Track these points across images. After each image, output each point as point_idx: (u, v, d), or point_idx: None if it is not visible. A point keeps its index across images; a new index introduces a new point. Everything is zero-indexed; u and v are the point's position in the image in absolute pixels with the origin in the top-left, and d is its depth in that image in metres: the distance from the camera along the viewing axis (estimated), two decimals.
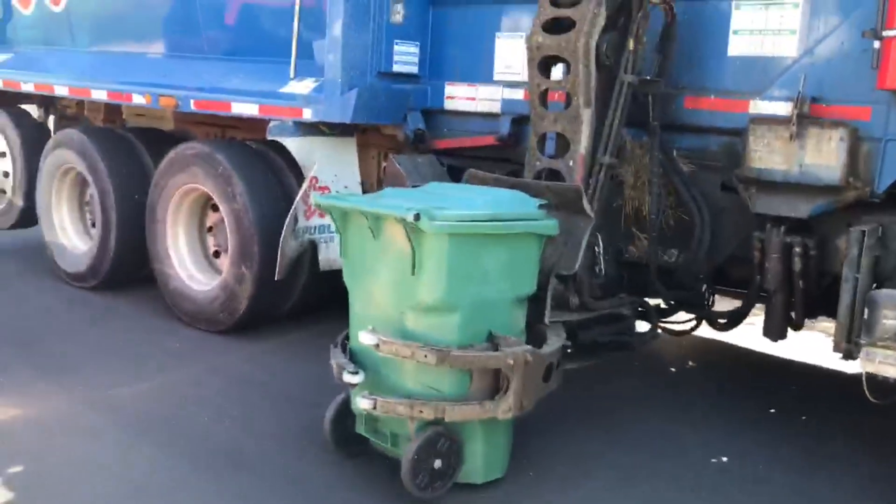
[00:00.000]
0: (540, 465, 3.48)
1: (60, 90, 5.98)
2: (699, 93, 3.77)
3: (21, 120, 6.68)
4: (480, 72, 4.46)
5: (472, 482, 3.21)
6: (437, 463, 3.07)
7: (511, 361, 3.04)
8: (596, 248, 3.77)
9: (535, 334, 3.34)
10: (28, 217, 6.50)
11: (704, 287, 4.17)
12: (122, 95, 5.56)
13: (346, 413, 3.37)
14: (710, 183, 3.84)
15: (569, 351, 3.60)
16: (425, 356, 2.99)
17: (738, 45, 3.66)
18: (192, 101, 5.09)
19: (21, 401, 3.93)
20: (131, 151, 5.75)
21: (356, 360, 3.28)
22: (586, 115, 3.62)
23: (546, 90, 3.79)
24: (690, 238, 3.88)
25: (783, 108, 3.50)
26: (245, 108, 4.85)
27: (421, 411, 3.02)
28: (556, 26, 3.69)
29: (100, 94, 5.71)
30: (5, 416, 3.77)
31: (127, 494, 3.15)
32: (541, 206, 3.33)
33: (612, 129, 3.65)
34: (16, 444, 3.51)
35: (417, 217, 2.89)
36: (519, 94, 4.27)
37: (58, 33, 6.18)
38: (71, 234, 6.13)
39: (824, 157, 3.37)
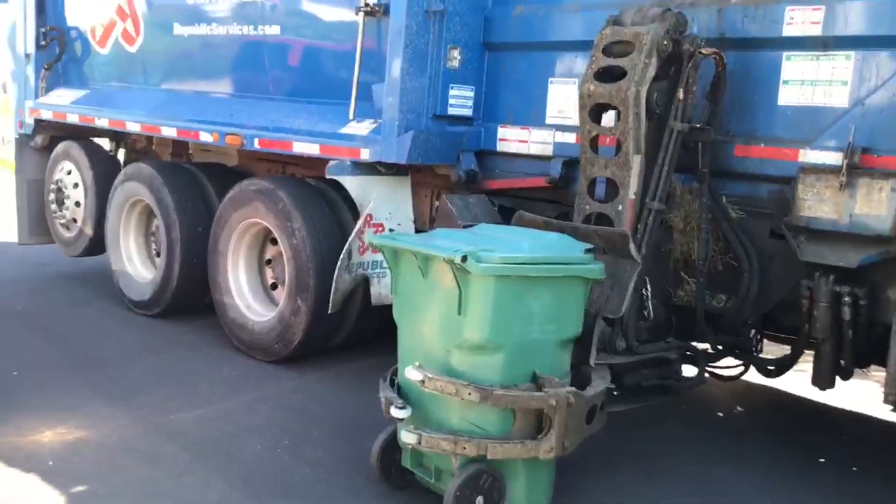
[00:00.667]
0: None
1: (132, 126, 6.27)
2: (749, 141, 3.82)
3: (94, 153, 7.00)
4: (533, 115, 4.56)
5: None
6: (479, 499, 3.12)
7: (554, 402, 3.10)
8: (644, 291, 3.82)
9: (579, 376, 3.39)
10: (97, 246, 6.78)
11: (753, 333, 4.17)
12: (191, 133, 5.82)
13: (393, 446, 3.46)
14: (759, 230, 3.86)
15: (614, 394, 3.64)
16: (469, 394, 3.07)
17: (788, 95, 3.71)
18: (256, 140, 5.31)
19: (86, 423, 4.12)
20: (196, 185, 6.00)
21: (403, 394, 3.37)
22: (636, 161, 3.70)
23: (597, 136, 3.88)
24: (739, 284, 3.91)
25: (833, 158, 3.52)
26: (306, 148, 5.04)
27: (464, 448, 3.10)
28: (607, 74, 3.79)
29: (169, 132, 5.98)
30: (71, 437, 3.96)
31: None
32: (587, 251, 3.40)
33: (662, 175, 3.73)
34: (80, 465, 3.68)
35: (465, 259, 3.00)
36: (571, 138, 4.36)
37: (131, 72, 6.50)
38: (137, 263, 6.39)
39: (874, 207, 3.39)
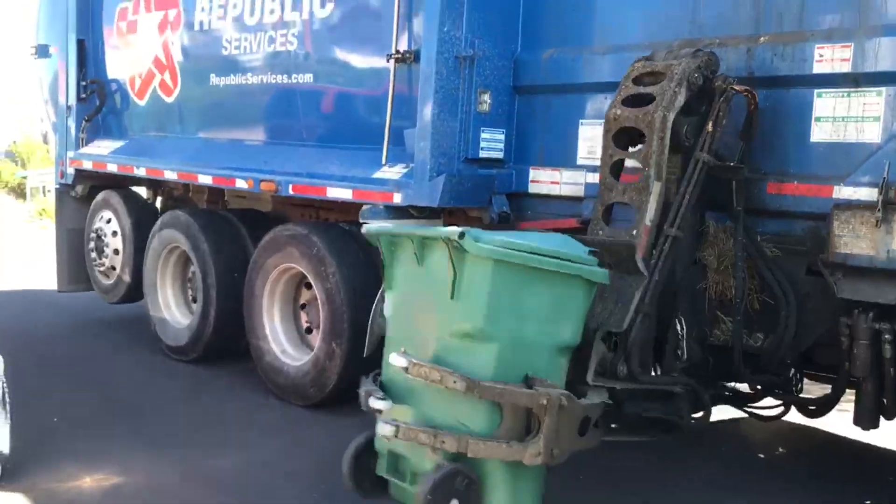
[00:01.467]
0: None
1: (170, 175, 6.41)
2: (782, 178, 3.80)
3: (131, 201, 7.16)
4: (564, 157, 4.58)
5: None
6: (454, 503, 2.93)
7: (544, 402, 2.92)
8: (679, 331, 3.79)
9: (575, 393, 3.20)
10: (135, 292, 6.89)
11: (792, 372, 4.11)
12: (227, 180, 5.93)
13: (368, 452, 3.30)
14: (796, 267, 3.82)
15: (612, 426, 3.51)
16: (454, 382, 2.90)
17: (820, 132, 3.70)
18: (290, 186, 5.39)
19: (124, 469, 4.15)
20: (232, 231, 6.09)
21: (386, 390, 3.23)
22: (656, 187, 3.62)
23: (617, 161, 3.84)
24: (776, 322, 3.86)
25: (868, 194, 3.49)
26: (339, 193, 5.11)
27: (443, 441, 2.92)
28: (636, 102, 3.80)
29: (205, 179, 6.10)
30: (110, 483, 3.99)
31: None
32: (591, 253, 3.27)
33: (683, 204, 3.67)
34: None
35: (462, 235, 2.89)
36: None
37: (168, 121, 6.66)
38: (173, 309, 6.48)
39: None
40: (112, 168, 6.92)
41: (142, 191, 7.63)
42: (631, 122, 3.75)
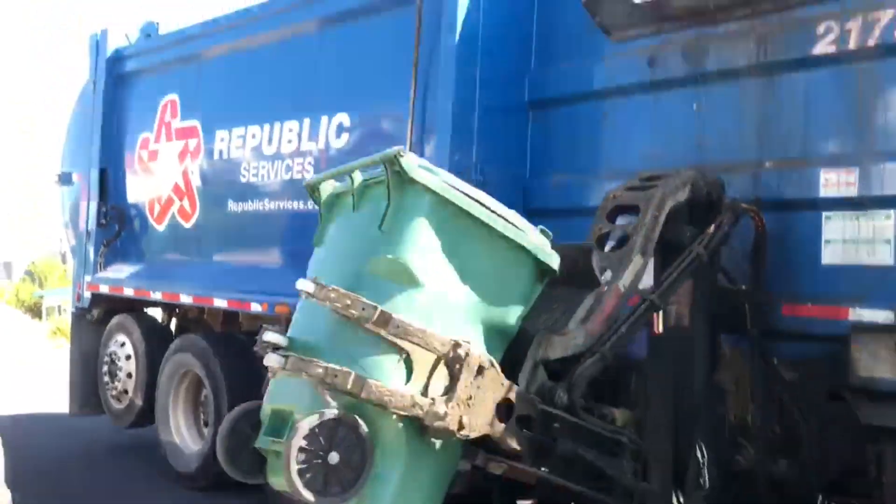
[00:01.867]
0: None
1: (185, 298, 6.47)
2: (796, 300, 3.78)
3: (147, 325, 7.19)
4: None
5: None
6: (334, 456, 2.49)
7: (463, 353, 2.57)
8: (699, 457, 3.69)
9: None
10: (146, 416, 6.83)
11: (820, 499, 3.97)
12: (242, 304, 5.98)
13: (249, 421, 2.92)
14: (816, 391, 3.76)
15: (542, 467, 3.06)
16: (363, 309, 2.54)
17: (832, 254, 3.70)
18: None
19: None
20: (246, 355, 6.05)
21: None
22: (638, 260, 3.42)
23: (604, 234, 3.71)
24: (799, 449, 3.76)
25: (885, 316, 3.46)
26: None
27: (336, 376, 2.49)
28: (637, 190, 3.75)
29: (221, 303, 6.15)
30: None
31: None
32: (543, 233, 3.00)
33: (670, 279, 3.56)
34: None
35: (402, 154, 2.64)
36: None
37: (186, 246, 6.77)
38: (184, 434, 6.40)
39: None
40: (129, 292, 6.99)
41: (157, 312, 7.68)
42: (629, 200, 3.67)
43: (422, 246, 2.69)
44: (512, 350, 3.02)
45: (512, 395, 2.77)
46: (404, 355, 2.61)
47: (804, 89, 3.81)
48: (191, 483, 6.07)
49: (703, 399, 3.76)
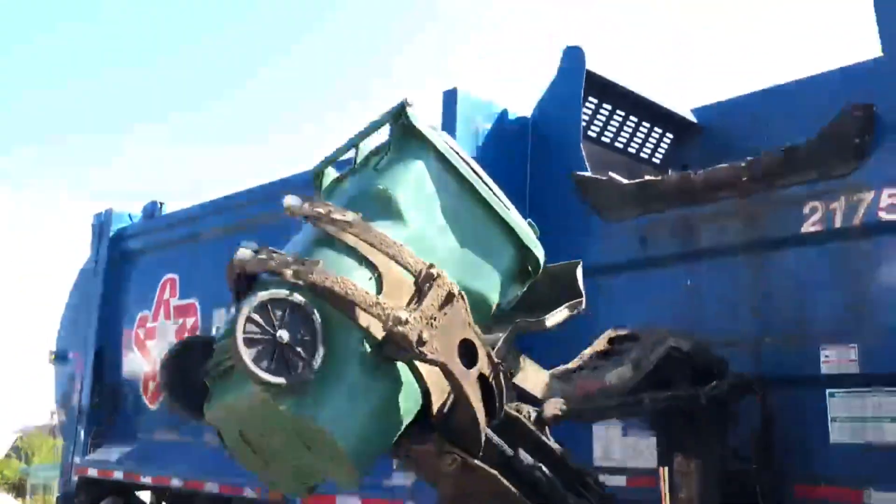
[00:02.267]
0: None
1: (176, 482, 6.27)
2: (808, 481, 3.67)
3: None
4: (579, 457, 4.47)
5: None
6: (284, 335, 2.30)
7: (435, 273, 2.42)
8: None
9: None
10: None
11: None
12: (234, 489, 5.77)
13: (197, 348, 2.69)
14: None
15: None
16: (342, 215, 2.48)
17: (839, 433, 3.63)
18: (299, 500, 5.22)
19: None
20: None
21: None
22: (628, 368, 3.38)
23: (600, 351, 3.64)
24: None
25: None
26: (348, 500, 4.94)
27: (302, 264, 2.40)
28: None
29: (213, 487, 5.95)
30: None
31: None
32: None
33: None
34: None
35: (409, 104, 2.62)
36: (619, 481, 4.19)
37: (178, 427, 6.61)
38: None
39: None
40: (118, 475, 6.79)
41: (146, 495, 7.41)
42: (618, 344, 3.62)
43: (412, 187, 2.65)
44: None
45: (476, 341, 2.53)
46: (376, 273, 2.47)
47: (796, 266, 3.86)
48: None
49: None
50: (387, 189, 2.64)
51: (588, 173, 4.57)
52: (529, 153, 4.96)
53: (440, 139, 2.74)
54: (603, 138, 5.44)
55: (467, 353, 2.49)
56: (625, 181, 4.38)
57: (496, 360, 2.60)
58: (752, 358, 3.91)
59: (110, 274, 7.49)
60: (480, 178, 2.78)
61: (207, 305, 6.48)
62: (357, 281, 2.42)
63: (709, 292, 4.13)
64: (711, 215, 4.16)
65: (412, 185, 2.66)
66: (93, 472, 7.05)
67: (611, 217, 4.49)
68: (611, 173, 4.46)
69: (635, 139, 5.60)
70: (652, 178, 4.41)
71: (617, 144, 5.52)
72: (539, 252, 2.86)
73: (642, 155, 5.63)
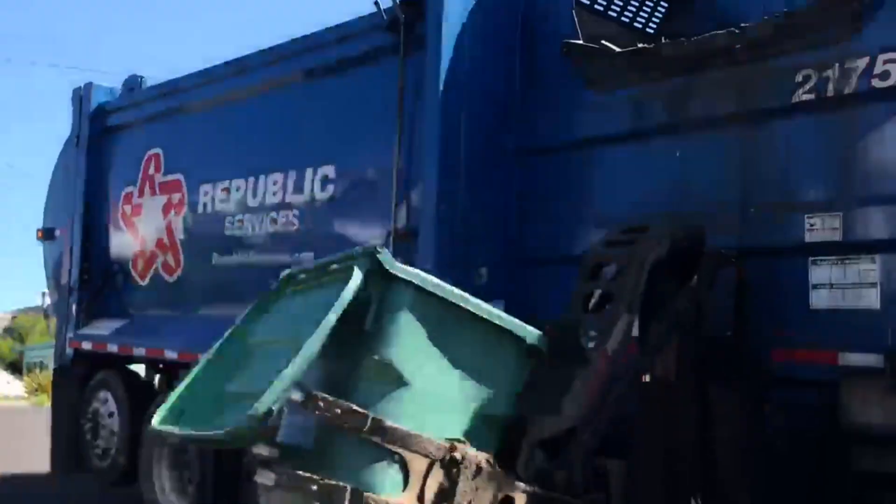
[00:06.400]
0: None
1: (170, 354, 6.38)
2: (785, 346, 3.78)
3: (130, 382, 7.09)
4: None
5: None
6: None
7: (459, 457, 2.53)
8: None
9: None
10: (130, 475, 6.68)
11: None
12: None
13: None
14: (808, 438, 3.73)
15: None
16: (355, 418, 2.51)
17: (819, 299, 3.71)
18: None
19: None
20: None
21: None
22: (624, 319, 3.42)
23: (589, 293, 3.70)
24: (791, 495, 3.72)
25: (875, 360, 3.46)
26: None
27: (332, 494, 2.47)
28: (618, 245, 3.75)
29: None
30: None
31: None
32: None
33: (657, 336, 3.57)
34: None
35: (379, 250, 2.66)
36: None
37: (170, 301, 6.71)
38: (168, 493, 6.26)
39: None
40: (112, 349, 6.90)
41: (141, 369, 7.57)
42: (609, 258, 3.69)
43: (407, 344, 2.70)
44: (509, 435, 2.96)
45: (512, 491, 2.72)
46: (399, 460, 2.58)
47: (786, 136, 3.85)
48: None
49: (692, 449, 3.72)
50: (384, 359, 2.68)
51: (579, 41, 4.47)
52: (520, 21, 4.84)
53: (417, 273, 2.79)
54: (596, 6, 5.28)
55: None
56: (617, 49, 4.29)
57: (534, 493, 2.78)
58: (737, 227, 3.95)
59: (93, 150, 7.40)
60: (464, 296, 2.84)
61: (193, 181, 6.44)
62: (381, 473, 2.56)
63: (698, 163, 4.12)
64: (704, 85, 4.11)
65: (407, 342, 2.70)
66: (87, 346, 7.17)
67: (602, 88, 4.43)
68: (603, 41, 4.36)
69: (629, 7, 5.44)
70: (644, 45, 4.31)
71: (610, 13, 5.36)
72: (539, 339, 2.96)
73: (636, 25, 5.49)
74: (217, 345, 3.27)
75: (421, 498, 2.57)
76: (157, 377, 7.47)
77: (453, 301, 2.79)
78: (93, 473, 7.15)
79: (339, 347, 2.68)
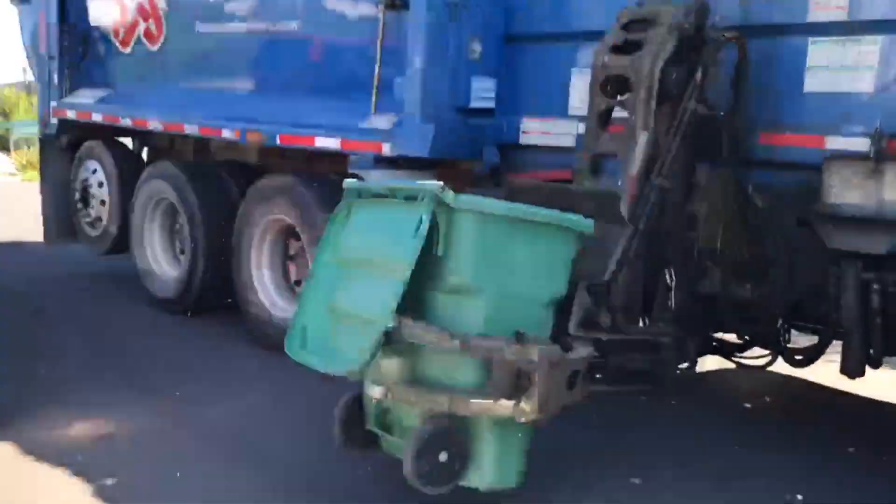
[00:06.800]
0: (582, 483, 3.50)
1: (155, 125, 6.32)
2: (775, 128, 3.78)
3: (118, 152, 7.07)
4: (556, 106, 4.54)
5: (479, 487, 3.12)
6: (443, 456, 3.00)
7: (536, 358, 2.92)
8: (668, 282, 3.79)
9: (561, 346, 3.17)
10: (121, 244, 6.83)
11: (780, 322, 4.14)
12: (213, 130, 5.85)
13: (357, 406, 3.35)
14: (786, 218, 3.82)
15: (597, 376, 3.46)
16: (450, 341, 2.91)
17: (814, 82, 3.66)
18: (277, 136, 5.33)
19: (114, 418, 4.15)
20: (220, 183, 6.03)
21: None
22: (643, 137, 3.57)
23: (604, 110, 3.80)
24: (765, 273, 3.87)
25: (860, 144, 3.48)
26: (328, 143, 5.05)
27: (433, 401, 2.97)
28: (624, 50, 3.74)
29: (192, 129, 6.02)
30: (100, 432, 4.00)
31: None
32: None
33: (671, 153, 3.64)
34: (109, 459, 3.72)
35: (444, 188, 2.92)
36: None
37: (153, 70, 6.53)
38: (161, 261, 6.44)
39: None
40: (97, 118, 6.81)
41: (127, 141, 7.53)
42: (619, 70, 3.70)
43: (477, 262, 3.01)
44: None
45: (576, 367, 3.11)
46: (486, 366, 3.00)
47: None
48: (170, 307, 6.17)
49: (675, 225, 3.81)
50: (464, 280, 3.01)
51: None
52: None
53: (482, 200, 3.02)
54: None
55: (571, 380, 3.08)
56: None
57: (587, 356, 3.17)
58: (738, 4, 3.81)
59: None
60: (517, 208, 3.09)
61: None
62: (472, 377, 3.02)
63: None
64: None
65: (473, 257, 3.00)
66: (71, 115, 7.06)
67: None
68: None
69: None
70: None
71: None
72: (590, 227, 3.21)
73: None
74: (313, 264, 3.58)
75: (509, 395, 2.96)
76: (144, 151, 7.48)
77: (515, 216, 3.05)
78: (86, 243, 7.31)
79: (418, 269, 2.95)
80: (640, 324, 3.82)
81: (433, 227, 2.95)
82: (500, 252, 3.04)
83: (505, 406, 2.95)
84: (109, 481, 3.49)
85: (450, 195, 2.94)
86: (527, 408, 2.95)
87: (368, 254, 3.26)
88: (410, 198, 3.07)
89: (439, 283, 3.04)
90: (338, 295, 3.34)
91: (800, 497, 3.57)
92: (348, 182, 3.49)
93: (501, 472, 3.13)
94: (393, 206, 3.19)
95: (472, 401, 2.96)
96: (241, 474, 3.62)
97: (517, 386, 2.99)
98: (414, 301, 3.07)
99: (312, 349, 3.39)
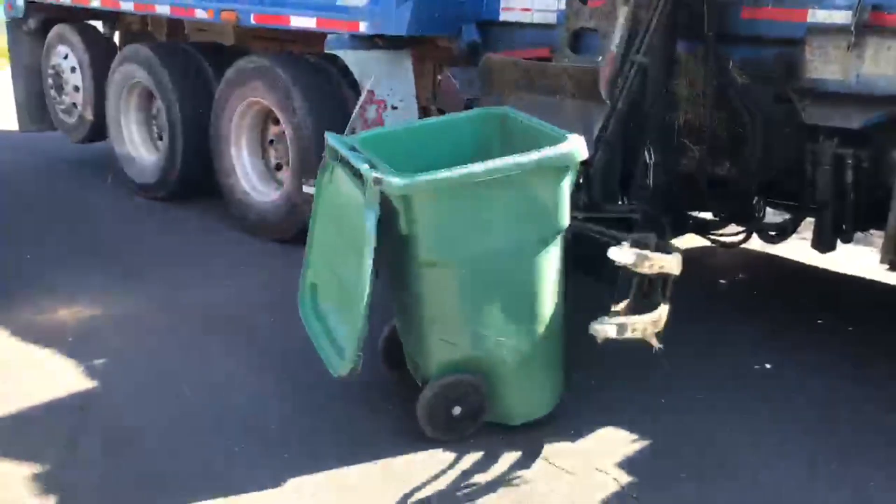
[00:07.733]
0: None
1: (126, 5, 6.12)
2: (756, 2, 3.72)
3: (88, 35, 6.86)
4: None
5: (508, 423, 3.09)
6: (457, 409, 3.01)
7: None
8: (647, 160, 3.80)
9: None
10: (99, 130, 6.73)
11: (756, 199, 4.19)
12: (186, 10, 5.69)
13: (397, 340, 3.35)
14: (765, 95, 3.81)
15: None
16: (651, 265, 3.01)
17: None
18: (252, 16, 5.19)
19: (100, 301, 4.23)
20: (195, 66, 5.90)
21: None
22: (622, 12, 3.53)
23: None
24: (743, 150, 3.89)
25: (842, 17, 3.43)
26: (303, 22, 4.93)
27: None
28: None
29: (164, 10, 5.84)
30: (87, 315, 4.08)
31: (199, 389, 3.43)
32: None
33: (649, 29, 3.58)
34: (99, 340, 3.80)
35: (378, 181, 2.70)
36: None
37: None
38: (139, 146, 6.37)
39: (882, 67, 3.33)
40: None
41: (98, 24, 7.30)
42: None
43: (446, 234, 2.83)
44: None
45: None
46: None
47: None
48: (150, 193, 6.15)
49: (655, 103, 3.79)
50: (426, 254, 2.82)
51: None
52: None
53: (428, 181, 2.75)
54: None
55: None
56: None
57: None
58: None
59: None
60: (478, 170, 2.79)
61: None
62: None
63: None
64: None
65: (434, 233, 2.80)
66: None
67: None
68: None
69: None
70: None
71: None
72: (573, 156, 2.88)
73: None
74: (311, 218, 3.45)
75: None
76: (116, 33, 7.26)
77: (476, 179, 2.77)
78: (62, 130, 7.19)
79: (389, 245, 2.85)
80: (619, 203, 3.85)
81: (392, 211, 2.78)
82: (465, 218, 2.82)
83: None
84: (99, 361, 3.59)
85: (392, 184, 2.70)
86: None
87: (344, 222, 3.11)
88: (358, 175, 2.86)
89: (413, 256, 2.87)
90: (335, 261, 3.27)
91: (768, 365, 3.72)
92: (329, 136, 3.28)
93: (531, 405, 3.11)
94: (354, 184, 2.96)
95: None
96: (225, 355, 3.71)
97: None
98: (396, 272, 3.01)
99: (322, 315, 3.40)
